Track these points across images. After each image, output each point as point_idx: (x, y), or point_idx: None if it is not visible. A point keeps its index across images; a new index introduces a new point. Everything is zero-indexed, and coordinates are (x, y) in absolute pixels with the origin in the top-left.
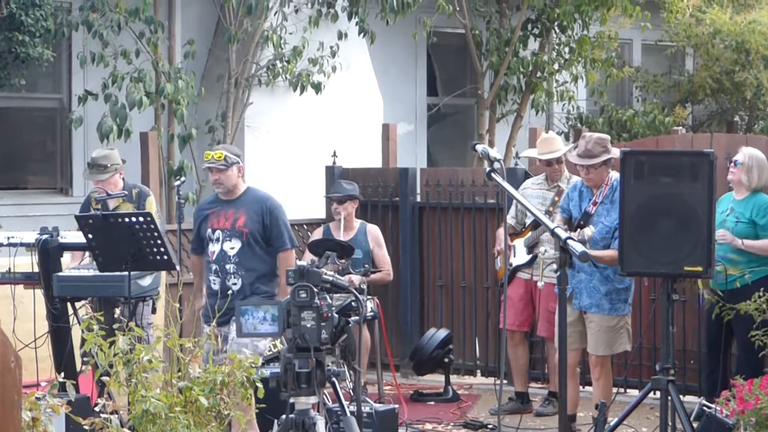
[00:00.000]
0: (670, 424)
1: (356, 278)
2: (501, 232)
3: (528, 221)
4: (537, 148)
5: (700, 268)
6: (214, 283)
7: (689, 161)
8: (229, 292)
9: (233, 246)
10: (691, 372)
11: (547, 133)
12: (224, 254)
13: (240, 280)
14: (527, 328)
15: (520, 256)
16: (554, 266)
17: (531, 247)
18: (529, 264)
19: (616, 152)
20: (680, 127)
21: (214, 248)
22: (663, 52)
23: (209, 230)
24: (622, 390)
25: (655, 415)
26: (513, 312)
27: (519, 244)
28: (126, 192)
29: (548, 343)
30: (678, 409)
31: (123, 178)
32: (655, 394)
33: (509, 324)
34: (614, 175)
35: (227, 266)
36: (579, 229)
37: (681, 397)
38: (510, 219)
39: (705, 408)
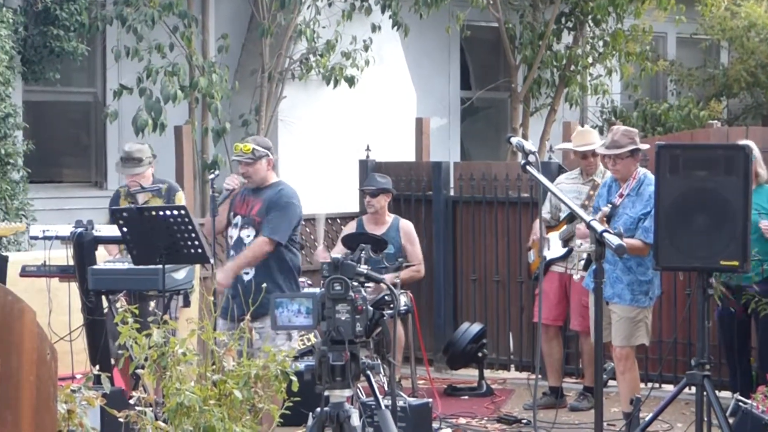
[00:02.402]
0: (705, 419)
1: (387, 276)
2: (537, 224)
3: (563, 215)
4: (572, 141)
5: (736, 262)
6: None
7: (724, 154)
8: (249, 282)
9: (249, 234)
10: (727, 367)
11: (582, 126)
12: (240, 241)
13: (252, 269)
14: (561, 323)
15: (554, 250)
16: (582, 262)
17: (566, 241)
18: (564, 257)
19: (643, 145)
20: (715, 121)
21: (232, 233)
22: (698, 45)
23: (232, 213)
24: (657, 385)
25: (690, 411)
26: (547, 306)
27: (554, 237)
28: (160, 185)
29: (582, 337)
30: (714, 404)
31: (152, 173)
32: (690, 389)
33: (548, 319)
34: (642, 169)
35: None
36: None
37: (716, 392)
38: (545, 213)
39: (741, 403)
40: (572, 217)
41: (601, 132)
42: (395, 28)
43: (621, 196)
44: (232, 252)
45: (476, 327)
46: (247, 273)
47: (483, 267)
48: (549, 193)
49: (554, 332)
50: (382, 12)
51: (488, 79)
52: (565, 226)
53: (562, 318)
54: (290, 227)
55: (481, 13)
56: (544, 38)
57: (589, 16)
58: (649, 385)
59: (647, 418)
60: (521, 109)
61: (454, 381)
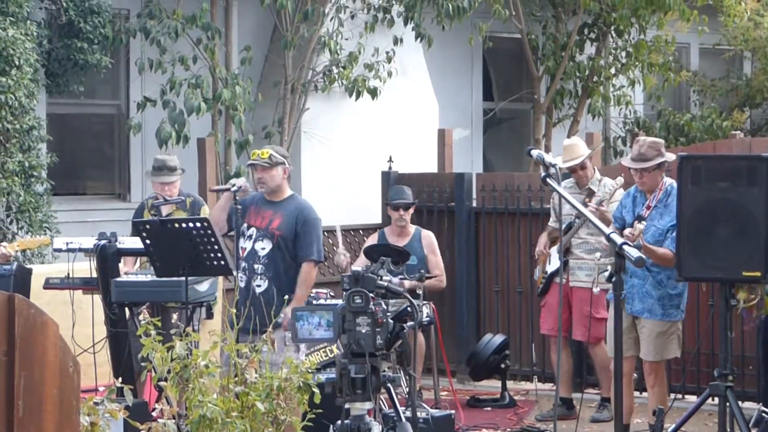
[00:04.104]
0: (728, 430)
1: (407, 283)
2: (543, 235)
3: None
4: (562, 156)
5: (758, 273)
6: (241, 281)
7: (747, 165)
8: (260, 295)
9: (264, 246)
10: (750, 378)
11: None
12: (254, 253)
13: (266, 282)
14: (568, 333)
15: (554, 263)
16: (606, 273)
17: (564, 253)
18: (563, 269)
19: (670, 156)
20: (738, 132)
21: (245, 245)
22: (721, 55)
23: (245, 225)
24: (680, 396)
25: (713, 422)
26: (552, 318)
27: (553, 251)
28: (182, 198)
29: (589, 346)
30: (736, 415)
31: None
32: (713, 400)
33: (550, 329)
34: (668, 180)
35: (255, 266)
36: (629, 227)
37: (740, 403)
38: (553, 223)
39: (764, 414)
40: (568, 229)
41: (624, 143)
42: (418, 39)
43: (648, 207)
44: (243, 264)
45: (499, 338)
46: (259, 286)
47: (506, 278)
48: (552, 201)
49: (562, 343)
50: (405, 24)
51: (511, 90)
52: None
53: (568, 328)
54: (321, 242)
55: (504, 25)
56: (567, 49)
57: (612, 27)
58: (672, 396)
59: (670, 429)
60: (544, 120)
61: (477, 392)
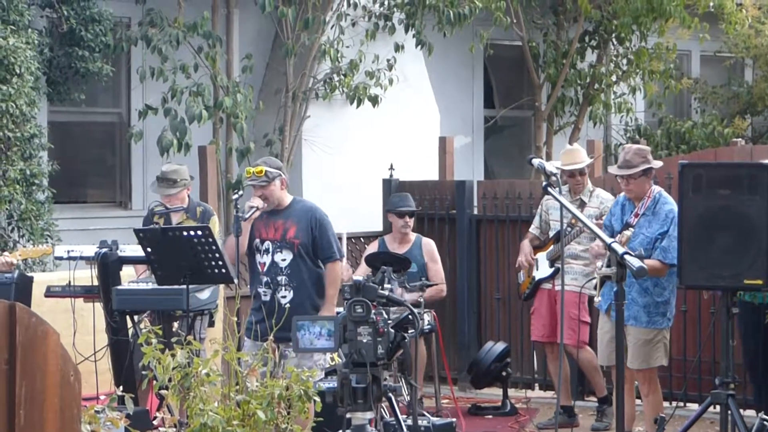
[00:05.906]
0: None
1: (409, 296)
2: (525, 244)
3: (552, 234)
4: (561, 159)
5: (760, 281)
6: (265, 295)
7: (748, 173)
8: (286, 305)
9: (284, 257)
10: (752, 386)
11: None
12: (276, 266)
13: (291, 292)
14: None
15: (542, 270)
16: (594, 281)
17: (553, 261)
18: (551, 277)
19: (656, 163)
20: (739, 139)
21: (263, 260)
22: (722, 63)
23: (257, 240)
24: (681, 404)
25: (715, 430)
26: (541, 323)
27: (541, 257)
28: (184, 206)
29: (580, 352)
30: (738, 423)
31: (189, 195)
32: (714, 408)
33: (543, 336)
34: (656, 188)
35: (279, 278)
36: (618, 234)
37: (741, 411)
38: (534, 230)
39: (765, 422)
40: (559, 237)
41: None
42: (419, 47)
43: (636, 215)
44: (265, 278)
45: (500, 346)
46: (284, 297)
47: (507, 286)
48: (539, 208)
49: (558, 349)
50: (406, 31)
51: (512, 98)
52: (552, 246)
53: (556, 332)
54: (337, 239)
55: (505, 32)
56: (568, 57)
57: (613, 35)
58: (674, 404)
59: None
60: (545, 127)
61: (478, 400)
